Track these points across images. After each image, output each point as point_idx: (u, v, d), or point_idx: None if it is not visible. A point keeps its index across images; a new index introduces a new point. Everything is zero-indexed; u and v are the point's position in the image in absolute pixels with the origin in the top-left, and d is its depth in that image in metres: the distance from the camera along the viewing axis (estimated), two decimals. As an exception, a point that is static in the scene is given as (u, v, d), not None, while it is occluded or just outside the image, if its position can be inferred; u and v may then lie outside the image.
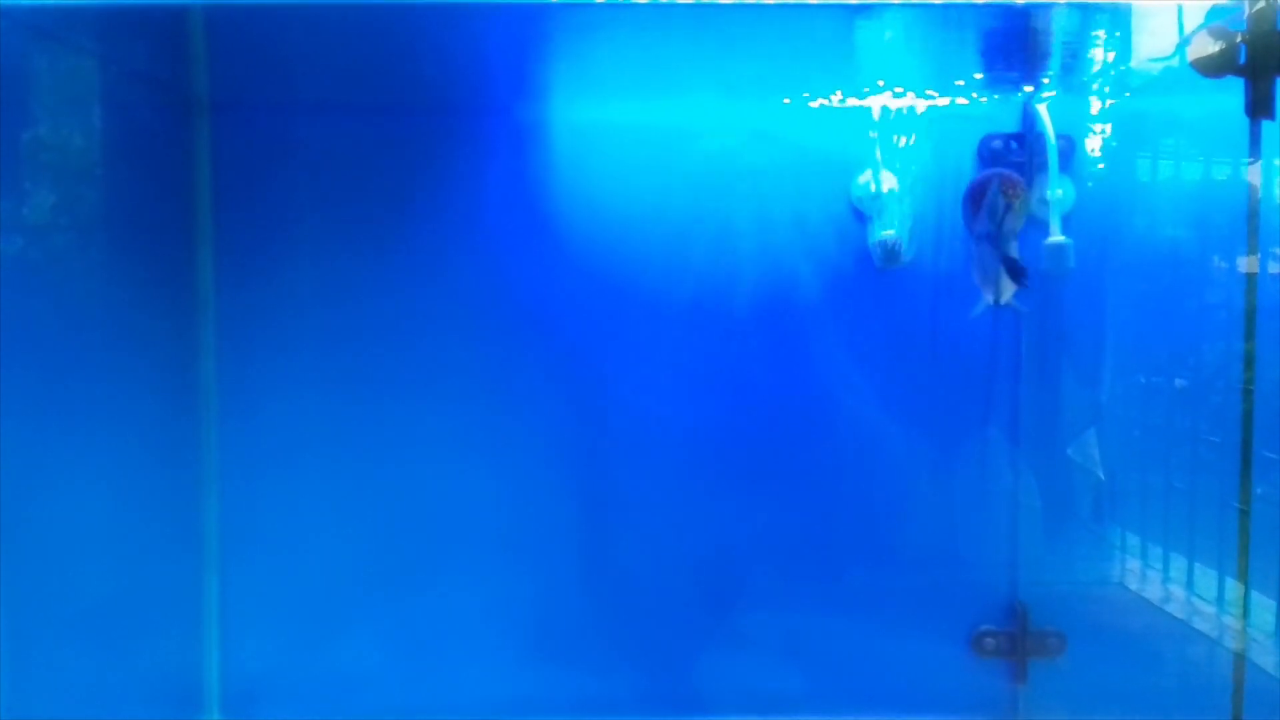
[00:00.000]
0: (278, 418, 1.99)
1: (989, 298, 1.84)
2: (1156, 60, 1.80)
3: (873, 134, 1.97)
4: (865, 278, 1.98)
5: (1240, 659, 1.53)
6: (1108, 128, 1.99)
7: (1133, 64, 1.86)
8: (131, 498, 1.78)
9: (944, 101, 1.97)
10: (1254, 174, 1.46)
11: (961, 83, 1.92)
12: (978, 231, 1.83)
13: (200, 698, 2.00)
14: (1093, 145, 1.99)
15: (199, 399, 1.98)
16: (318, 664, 2.02)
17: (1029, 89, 1.95)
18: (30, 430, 1.47)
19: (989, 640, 2.00)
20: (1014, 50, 1.82)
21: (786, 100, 1.97)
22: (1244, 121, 1.43)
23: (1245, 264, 1.50)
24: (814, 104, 1.97)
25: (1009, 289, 1.81)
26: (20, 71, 1.49)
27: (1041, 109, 1.93)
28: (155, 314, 1.86)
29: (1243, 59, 1.42)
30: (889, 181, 1.95)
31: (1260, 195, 1.46)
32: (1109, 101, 1.98)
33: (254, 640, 2.01)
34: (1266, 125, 1.43)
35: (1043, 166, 1.92)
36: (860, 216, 1.98)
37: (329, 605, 2.02)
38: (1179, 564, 2.02)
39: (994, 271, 1.80)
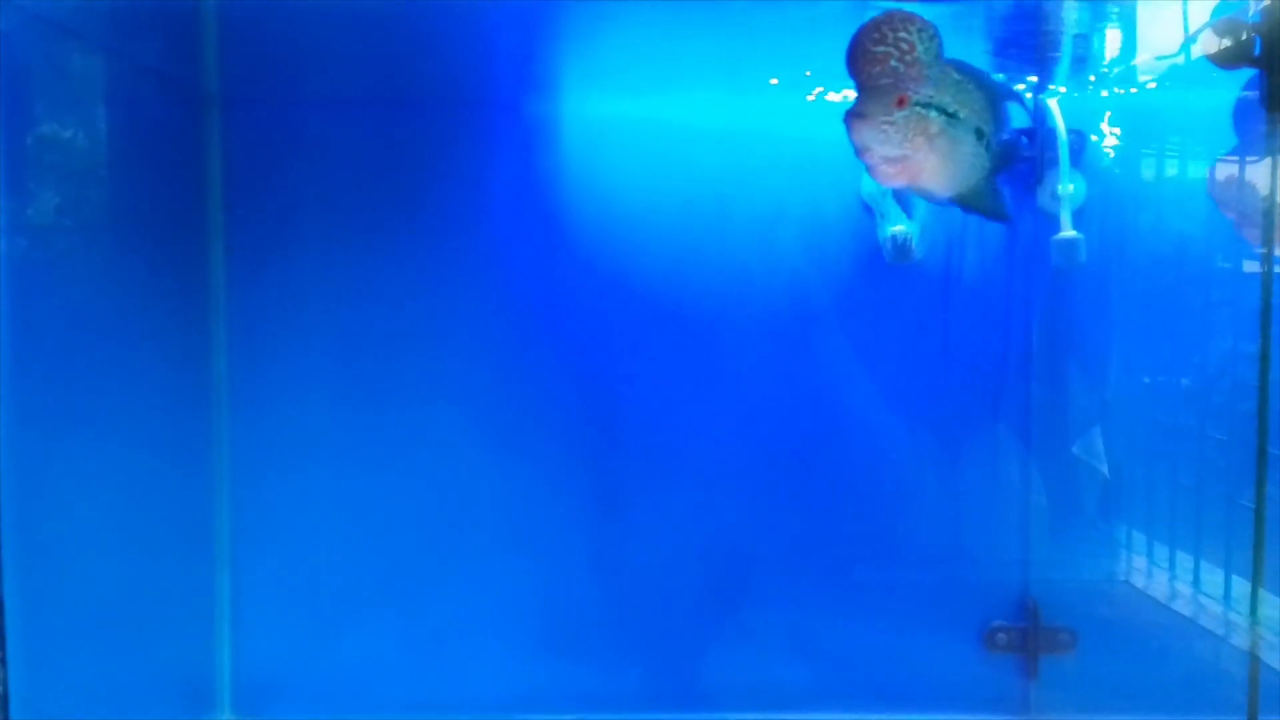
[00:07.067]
0: (289, 415, 1.99)
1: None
2: (1165, 57, 1.80)
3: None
4: (876, 274, 1.97)
5: (1255, 657, 1.52)
6: (1117, 122, 1.99)
7: (1144, 58, 1.86)
8: (143, 496, 1.78)
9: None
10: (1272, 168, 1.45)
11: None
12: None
13: (212, 695, 1.99)
14: (1103, 140, 1.98)
15: (210, 396, 1.97)
16: (328, 661, 2.01)
17: (1039, 83, 1.94)
18: (42, 430, 1.47)
19: (1001, 635, 2.00)
20: (1024, 44, 1.82)
21: (802, 95, 1.97)
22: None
23: (1261, 259, 1.49)
24: (824, 98, 1.97)
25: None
26: (31, 65, 1.48)
27: (1052, 103, 1.93)
28: (166, 311, 1.85)
29: (1258, 51, 1.41)
30: (900, 177, 1.94)
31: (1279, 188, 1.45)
32: (1117, 95, 1.98)
33: (265, 637, 2.01)
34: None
35: (1054, 161, 1.92)
36: (871, 212, 1.97)
37: (340, 602, 2.01)
38: (1185, 562, 2.02)
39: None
